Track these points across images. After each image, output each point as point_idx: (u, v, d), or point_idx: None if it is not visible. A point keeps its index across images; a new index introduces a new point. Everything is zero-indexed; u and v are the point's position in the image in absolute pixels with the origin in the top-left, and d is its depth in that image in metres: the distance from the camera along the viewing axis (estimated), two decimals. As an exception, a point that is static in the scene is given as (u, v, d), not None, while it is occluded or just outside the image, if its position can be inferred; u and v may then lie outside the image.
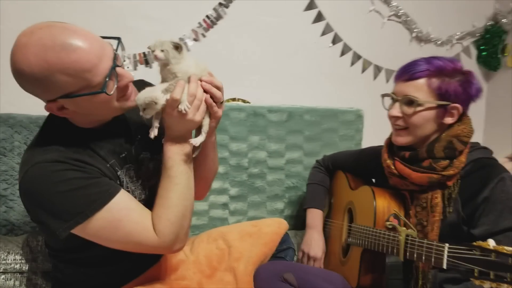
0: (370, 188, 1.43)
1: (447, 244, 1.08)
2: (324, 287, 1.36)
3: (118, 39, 1.04)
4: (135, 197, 1.14)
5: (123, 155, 1.13)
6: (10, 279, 1.42)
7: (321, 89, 2.25)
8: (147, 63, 1.91)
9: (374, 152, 1.52)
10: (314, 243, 1.61)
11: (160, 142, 1.14)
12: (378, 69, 2.33)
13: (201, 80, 1.06)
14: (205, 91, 1.06)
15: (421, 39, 2.40)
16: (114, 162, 1.10)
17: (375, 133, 2.13)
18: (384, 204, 1.37)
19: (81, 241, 1.05)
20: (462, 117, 1.29)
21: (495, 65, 2.50)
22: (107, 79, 0.97)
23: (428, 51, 2.39)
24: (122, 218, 1.04)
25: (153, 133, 1.08)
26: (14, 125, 1.58)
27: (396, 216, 1.31)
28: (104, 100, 1.01)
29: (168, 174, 1.08)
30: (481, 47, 2.51)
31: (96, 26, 1.76)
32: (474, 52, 2.53)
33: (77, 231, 1.02)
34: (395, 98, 1.30)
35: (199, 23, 1.98)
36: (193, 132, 1.12)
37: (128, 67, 1.90)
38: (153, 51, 1.03)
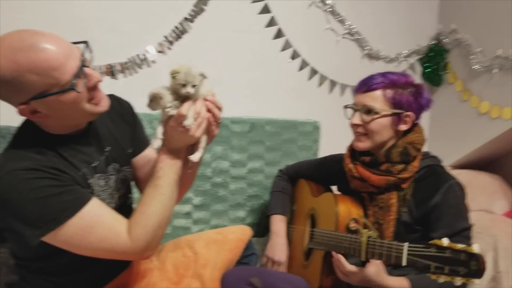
0: (332, 194, 1.55)
1: (406, 243, 1.17)
2: (288, 289, 1.45)
3: (86, 42, 1.08)
4: None
5: (94, 164, 1.16)
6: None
7: (281, 102, 2.36)
8: (112, 74, 1.94)
9: (336, 159, 1.67)
10: (278, 248, 1.70)
11: (127, 155, 1.19)
12: (333, 83, 2.47)
13: (205, 99, 1.13)
14: (208, 110, 1.13)
15: (372, 56, 2.57)
16: (86, 170, 1.13)
17: (331, 143, 2.27)
18: (345, 209, 1.48)
19: (50, 248, 1.07)
20: (415, 126, 1.45)
21: (438, 81, 2.71)
22: (75, 78, 0.99)
23: (378, 67, 2.56)
24: (94, 224, 1.06)
25: (156, 143, 1.14)
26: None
27: (356, 221, 1.42)
28: (74, 100, 1.02)
29: (155, 183, 1.12)
30: (426, 64, 2.72)
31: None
32: (419, 68, 2.74)
33: (49, 238, 1.04)
34: (355, 108, 1.46)
35: (165, 36, 2.03)
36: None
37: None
38: (183, 85, 1.08)
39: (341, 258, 1.35)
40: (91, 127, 1.18)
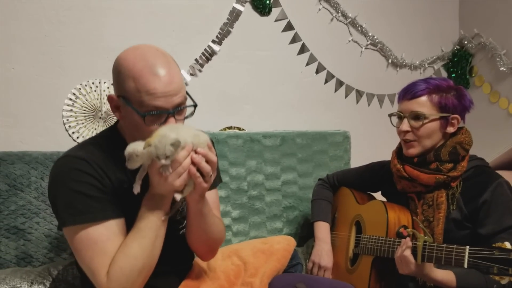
0: (381, 202, 1.59)
1: (467, 247, 1.20)
2: (335, 296, 1.47)
3: (195, 106, 1.15)
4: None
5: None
6: (34, 308, 1.48)
7: (309, 114, 2.41)
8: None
9: (381, 164, 1.72)
10: (324, 253, 1.73)
11: None
12: (359, 94, 2.52)
13: (196, 151, 1.09)
14: (193, 162, 1.08)
15: (397, 64, 2.61)
16: (137, 186, 1.14)
17: (361, 151, 2.32)
18: (395, 216, 1.51)
19: None
20: (461, 128, 1.50)
21: (465, 85, 2.72)
22: (152, 113, 1.07)
23: (403, 75, 2.60)
24: (97, 241, 1.08)
25: (136, 189, 1.12)
26: (30, 162, 1.67)
27: (405, 228, 1.44)
28: (139, 125, 1.10)
29: (138, 225, 1.10)
30: (451, 70, 2.74)
31: (99, 65, 1.89)
32: (444, 74, 2.76)
33: (66, 232, 1.12)
34: (402, 115, 1.50)
35: (196, 59, 2.13)
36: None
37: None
38: (158, 159, 1.04)
39: (409, 256, 1.33)
40: None
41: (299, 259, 1.64)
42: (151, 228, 1.09)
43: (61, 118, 1.90)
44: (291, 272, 1.57)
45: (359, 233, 1.67)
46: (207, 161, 1.10)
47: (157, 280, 1.19)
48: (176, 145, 1.05)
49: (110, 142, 1.19)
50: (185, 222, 1.28)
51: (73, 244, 1.12)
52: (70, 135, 1.92)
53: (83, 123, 1.94)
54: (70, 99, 1.91)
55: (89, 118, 1.95)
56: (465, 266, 1.19)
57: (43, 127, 1.87)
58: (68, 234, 1.12)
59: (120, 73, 1.10)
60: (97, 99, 1.95)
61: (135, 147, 1.07)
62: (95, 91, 1.95)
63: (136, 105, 1.08)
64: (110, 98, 1.15)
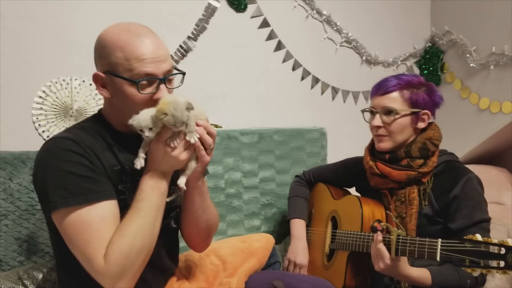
0: (356, 196, 1.59)
1: (439, 240, 1.21)
2: (312, 291, 1.47)
3: (183, 73, 1.15)
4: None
5: (132, 168, 1.12)
6: (5, 314, 1.42)
7: (286, 111, 2.42)
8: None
9: (354, 161, 1.72)
10: (300, 251, 1.72)
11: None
12: (335, 90, 2.54)
13: (196, 124, 1.07)
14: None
15: (371, 61, 2.64)
16: (128, 168, 1.13)
17: (338, 147, 2.33)
18: (369, 211, 1.52)
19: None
20: (431, 124, 1.52)
21: (436, 82, 2.78)
22: (145, 79, 1.06)
23: (377, 72, 2.64)
24: (92, 224, 1.02)
25: (140, 163, 1.08)
26: (-3, 162, 1.61)
27: (379, 222, 1.44)
28: (132, 96, 1.07)
29: (137, 205, 1.05)
30: (423, 66, 2.79)
31: (70, 62, 1.84)
32: (417, 71, 2.81)
33: (55, 216, 1.05)
34: (374, 111, 1.51)
35: (171, 55, 2.09)
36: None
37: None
38: (175, 126, 1.03)
39: (383, 249, 1.33)
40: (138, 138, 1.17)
41: (277, 257, 1.63)
42: (151, 208, 1.06)
43: (31, 117, 1.84)
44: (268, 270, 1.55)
45: (335, 228, 1.68)
46: (208, 133, 1.09)
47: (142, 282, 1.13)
48: (190, 108, 1.03)
49: (96, 126, 1.16)
50: (173, 213, 1.26)
51: (64, 228, 1.04)
52: (40, 134, 1.85)
53: (53, 122, 1.87)
54: (40, 97, 1.85)
55: (59, 116, 1.89)
56: (438, 259, 1.20)
57: (11, 126, 1.79)
58: (59, 219, 1.05)
59: (105, 47, 1.08)
60: (68, 96, 1.89)
61: (144, 119, 1.04)
62: (66, 88, 1.89)
63: (126, 75, 1.07)
64: (96, 76, 1.12)
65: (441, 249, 1.20)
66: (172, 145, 1.05)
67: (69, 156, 1.05)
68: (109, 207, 1.06)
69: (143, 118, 1.04)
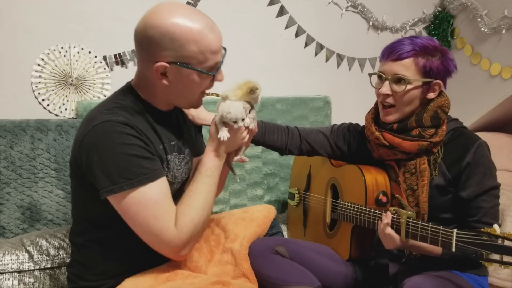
0: (357, 166, 1.51)
1: (455, 230, 1.16)
2: (315, 258, 1.46)
3: (225, 49, 1.20)
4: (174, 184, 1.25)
5: (173, 143, 1.24)
6: (8, 279, 1.45)
7: (289, 79, 2.37)
8: (122, 63, 1.97)
9: (350, 129, 1.62)
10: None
11: (196, 147, 1.33)
12: (340, 58, 2.47)
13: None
14: None
15: (378, 27, 2.56)
16: (167, 146, 1.21)
17: (343, 117, 2.27)
18: (372, 181, 1.45)
19: (109, 215, 1.12)
20: (441, 91, 1.42)
21: (446, 48, 2.70)
22: (218, 69, 1.16)
23: (385, 38, 2.55)
24: (157, 200, 1.11)
25: (226, 135, 1.21)
26: (-3, 131, 1.61)
27: (384, 193, 1.41)
28: (199, 84, 1.15)
29: (204, 181, 1.19)
30: (432, 32, 2.70)
31: (68, 29, 1.82)
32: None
33: (115, 198, 1.09)
34: (384, 76, 1.39)
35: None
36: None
37: (104, 68, 1.95)
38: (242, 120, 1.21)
39: (392, 233, 1.30)
40: (177, 112, 1.31)
41: (279, 228, 1.62)
42: (215, 184, 1.21)
43: (30, 85, 1.82)
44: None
45: (335, 197, 1.65)
46: None
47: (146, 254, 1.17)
48: (253, 99, 1.26)
49: (135, 106, 1.17)
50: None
51: (128, 208, 1.10)
52: (40, 103, 1.84)
53: (53, 90, 1.86)
54: (39, 65, 1.83)
55: (59, 85, 1.87)
56: (453, 250, 1.16)
57: (11, 94, 1.79)
58: (121, 200, 1.09)
59: (174, 40, 1.09)
60: (67, 64, 1.87)
61: (240, 112, 1.19)
62: (64, 56, 1.86)
63: (199, 67, 1.12)
64: (159, 68, 1.11)
65: (456, 240, 1.15)
66: (251, 126, 1.24)
67: (127, 139, 1.09)
68: (165, 182, 1.15)
69: (238, 111, 1.19)
